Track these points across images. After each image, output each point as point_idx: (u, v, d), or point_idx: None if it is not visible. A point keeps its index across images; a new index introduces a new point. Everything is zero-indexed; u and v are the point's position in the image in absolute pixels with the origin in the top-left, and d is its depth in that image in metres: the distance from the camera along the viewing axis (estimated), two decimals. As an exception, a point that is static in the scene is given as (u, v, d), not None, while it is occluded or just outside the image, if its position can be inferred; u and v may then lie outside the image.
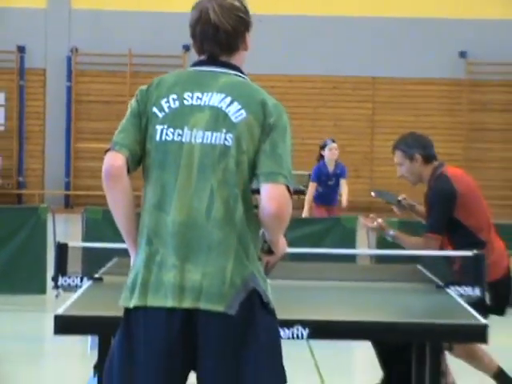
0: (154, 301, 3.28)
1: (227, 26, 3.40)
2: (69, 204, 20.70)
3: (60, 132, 21.14)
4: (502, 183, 20.29)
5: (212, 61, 3.45)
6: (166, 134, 3.36)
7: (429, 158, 6.30)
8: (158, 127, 3.35)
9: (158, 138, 3.34)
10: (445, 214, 6.32)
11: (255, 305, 3.31)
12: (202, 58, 3.48)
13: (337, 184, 12.96)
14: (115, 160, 3.34)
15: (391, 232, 6.48)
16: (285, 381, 3.37)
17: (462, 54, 20.40)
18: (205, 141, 3.33)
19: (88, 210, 11.00)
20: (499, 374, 6.61)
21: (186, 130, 3.34)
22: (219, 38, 3.39)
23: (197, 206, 3.32)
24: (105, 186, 3.40)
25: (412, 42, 20.53)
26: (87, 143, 21.16)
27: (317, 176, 12.86)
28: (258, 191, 3.30)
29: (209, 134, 3.34)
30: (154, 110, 3.38)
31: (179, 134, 3.34)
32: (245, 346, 3.29)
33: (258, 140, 3.31)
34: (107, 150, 3.37)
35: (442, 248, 6.34)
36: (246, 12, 3.50)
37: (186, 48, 19.88)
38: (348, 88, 20.60)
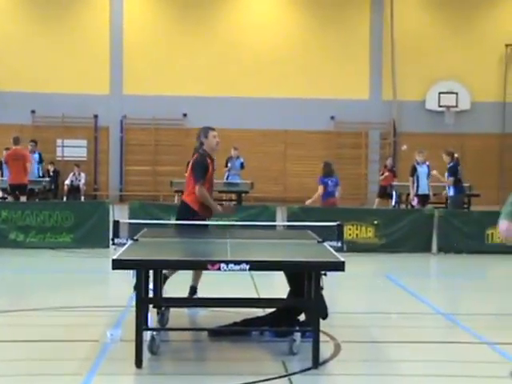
0: None
1: None
2: (121, 199, 24.64)
3: (117, 161, 25.73)
4: (353, 186, 25.44)
5: None
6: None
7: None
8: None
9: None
10: None
11: None
12: None
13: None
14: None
15: None
16: None
17: (332, 117, 25.69)
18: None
19: (131, 203, 14.22)
20: None
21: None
22: None
23: None
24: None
25: (307, 110, 25.47)
26: (131, 167, 25.73)
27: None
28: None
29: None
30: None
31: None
32: None
33: None
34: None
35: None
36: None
37: (184, 115, 24.90)
38: (272, 135, 25.58)
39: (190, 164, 8.31)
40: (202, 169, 8.17)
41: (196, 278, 8.34)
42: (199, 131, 8.41)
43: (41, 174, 20.90)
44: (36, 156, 20.60)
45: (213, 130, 8.30)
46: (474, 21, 26.47)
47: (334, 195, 15.08)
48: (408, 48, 26.01)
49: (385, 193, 20.85)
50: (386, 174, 21.05)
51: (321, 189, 14.85)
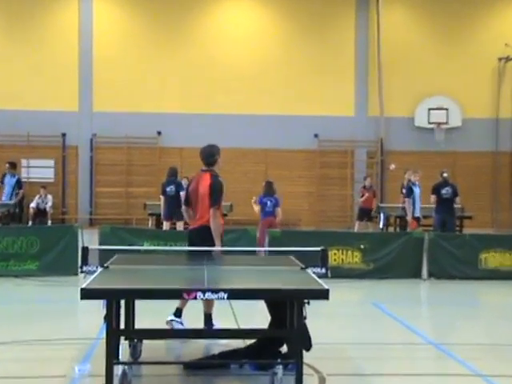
0: None
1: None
2: (91, 223, 24.68)
3: (86, 182, 25.60)
4: (338, 208, 26.12)
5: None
6: None
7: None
8: None
9: None
10: None
11: None
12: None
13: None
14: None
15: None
16: None
17: (315, 135, 25.81)
18: None
19: (102, 227, 14.18)
20: None
21: None
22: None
23: None
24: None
25: (288, 128, 25.71)
26: (102, 188, 25.49)
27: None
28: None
29: None
30: None
31: None
32: None
33: None
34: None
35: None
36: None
37: (159, 133, 24.93)
38: (252, 155, 25.78)
39: (208, 186, 8.40)
40: (220, 194, 8.45)
41: (208, 306, 8.40)
42: (211, 149, 8.69)
43: (12, 201, 20.64)
44: (13, 180, 20.40)
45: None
46: (466, 33, 26.79)
47: (273, 215, 15.73)
48: (395, 61, 26.27)
49: (365, 215, 20.91)
50: (367, 194, 21.09)
51: (257, 209, 15.80)
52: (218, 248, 8.32)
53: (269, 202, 15.74)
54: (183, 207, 8.91)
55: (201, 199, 8.42)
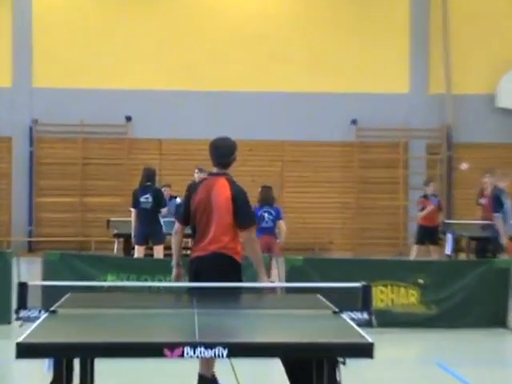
0: None
1: None
2: (31, 248, 24.93)
3: (24, 189, 25.77)
4: (387, 226, 26.21)
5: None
6: None
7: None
8: None
9: None
10: None
11: None
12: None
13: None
14: None
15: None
16: None
17: (353, 122, 26.20)
18: None
19: (47, 254, 14.09)
20: None
21: None
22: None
23: None
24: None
25: (314, 111, 26.03)
26: (46, 198, 25.69)
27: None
28: None
29: None
30: None
31: None
32: None
33: None
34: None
35: None
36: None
37: (128, 119, 25.15)
38: (261, 150, 25.87)
39: (231, 199, 8.60)
40: (251, 207, 8.77)
41: (206, 365, 8.49)
42: (228, 143, 9.33)
43: None
44: None
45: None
46: None
47: (272, 232, 16.09)
48: (467, 17, 26.36)
49: (426, 236, 20.86)
50: (429, 207, 20.97)
51: None
52: (265, 284, 8.74)
53: (267, 215, 15.86)
54: (177, 226, 9.00)
55: (216, 215, 8.57)
